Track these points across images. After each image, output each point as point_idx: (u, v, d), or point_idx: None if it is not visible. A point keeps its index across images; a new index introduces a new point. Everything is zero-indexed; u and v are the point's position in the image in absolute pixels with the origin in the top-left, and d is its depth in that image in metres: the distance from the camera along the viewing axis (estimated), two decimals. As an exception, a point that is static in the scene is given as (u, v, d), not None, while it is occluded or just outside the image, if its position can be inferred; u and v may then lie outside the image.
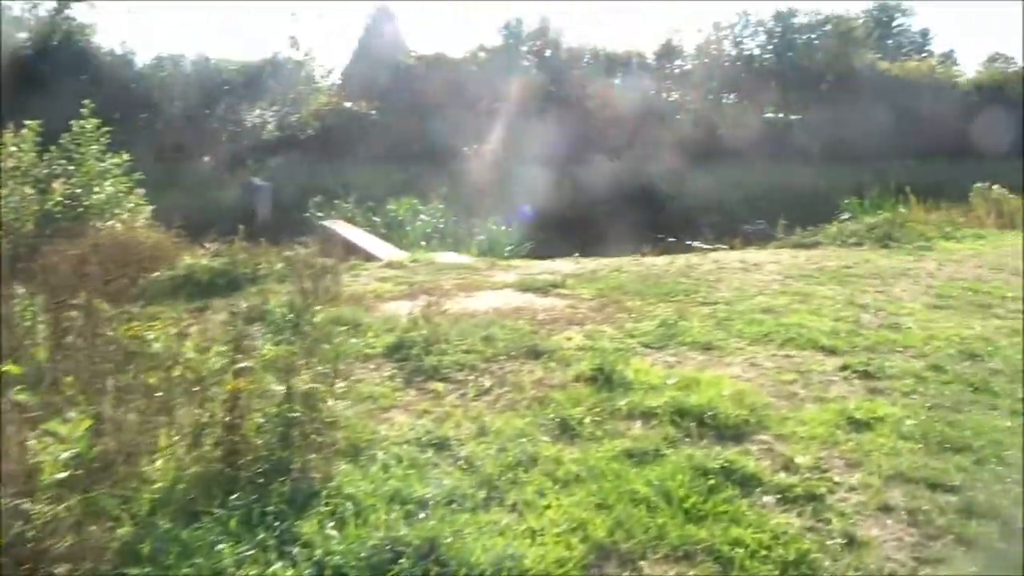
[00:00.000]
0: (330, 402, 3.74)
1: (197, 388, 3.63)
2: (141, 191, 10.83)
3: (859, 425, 4.09)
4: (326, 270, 6.26)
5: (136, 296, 7.33)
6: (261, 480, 3.24)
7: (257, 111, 32.97)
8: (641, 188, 25.38)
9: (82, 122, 10.28)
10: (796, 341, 5.63)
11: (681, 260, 9.64)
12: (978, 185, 15.50)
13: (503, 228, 17.28)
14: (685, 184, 24.45)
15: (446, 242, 16.91)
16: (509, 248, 16.18)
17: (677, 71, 28.60)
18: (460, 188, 23.45)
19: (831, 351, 5.44)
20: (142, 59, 30.48)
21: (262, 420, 3.51)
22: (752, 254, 10.43)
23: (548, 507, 3.21)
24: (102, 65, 27.30)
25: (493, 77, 29.71)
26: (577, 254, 19.46)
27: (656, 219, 23.86)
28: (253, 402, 3.52)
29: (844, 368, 5.04)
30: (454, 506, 3.17)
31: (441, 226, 17.99)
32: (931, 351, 5.44)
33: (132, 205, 10.59)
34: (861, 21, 34.14)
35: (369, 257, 12.01)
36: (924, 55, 39.84)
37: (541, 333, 5.72)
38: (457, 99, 28.10)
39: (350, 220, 18.14)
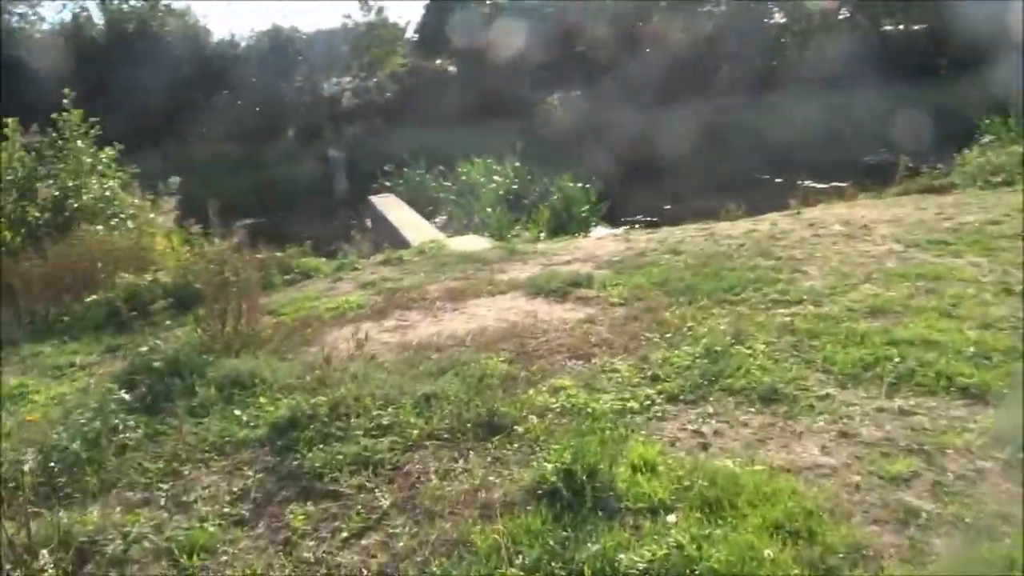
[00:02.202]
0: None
1: None
2: (176, 179, 9.65)
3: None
4: (243, 287, 4.55)
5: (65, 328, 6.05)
6: None
7: (334, 79, 32.05)
8: (740, 125, 22.64)
9: (64, 113, 8.99)
10: (919, 376, 3.53)
11: (765, 225, 7.42)
12: None
13: (579, 186, 15.64)
14: (789, 116, 21.40)
15: (521, 205, 15.78)
16: (585, 209, 14.65)
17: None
18: (539, 143, 21.68)
19: (977, 396, 3.32)
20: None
21: None
22: (862, 209, 8.02)
23: None
24: (177, 46, 26.95)
25: (580, 17, 27.37)
26: (667, 206, 17.45)
27: (760, 158, 21.22)
28: None
29: (1004, 441, 2.95)
30: None
31: (515, 187, 16.70)
32: None
33: (134, 202, 9.35)
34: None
35: (404, 244, 10.34)
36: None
37: (519, 381, 3.85)
38: (536, 45, 26.05)
39: (416, 191, 16.83)
